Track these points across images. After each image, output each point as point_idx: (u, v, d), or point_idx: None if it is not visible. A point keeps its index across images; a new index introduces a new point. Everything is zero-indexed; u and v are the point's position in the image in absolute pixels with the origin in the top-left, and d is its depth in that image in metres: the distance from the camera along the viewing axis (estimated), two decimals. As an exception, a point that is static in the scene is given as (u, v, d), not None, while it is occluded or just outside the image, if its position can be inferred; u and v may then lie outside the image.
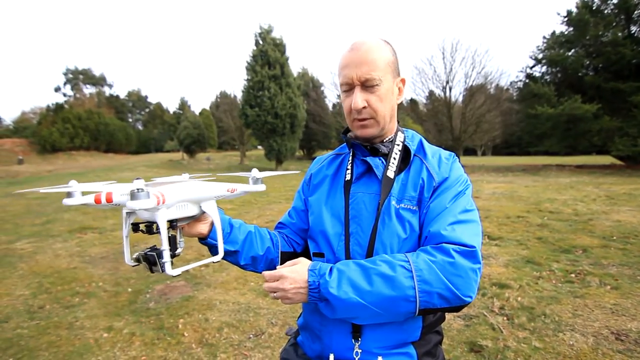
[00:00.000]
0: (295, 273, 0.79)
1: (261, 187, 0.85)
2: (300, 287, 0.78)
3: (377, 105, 0.88)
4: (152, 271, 0.78)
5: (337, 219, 0.95)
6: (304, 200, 1.10)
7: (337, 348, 0.91)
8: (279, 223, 1.14)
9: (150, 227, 0.79)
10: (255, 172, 0.84)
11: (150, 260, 0.76)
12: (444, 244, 0.79)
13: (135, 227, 0.82)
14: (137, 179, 0.68)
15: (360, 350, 0.88)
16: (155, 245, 0.81)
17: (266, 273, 0.82)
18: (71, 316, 3.10)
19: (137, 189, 0.65)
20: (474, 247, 0.79)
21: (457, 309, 0.79)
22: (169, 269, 0.75)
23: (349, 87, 0.90)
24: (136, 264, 0.82)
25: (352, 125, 0.94)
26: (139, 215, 0.79)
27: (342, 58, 0.90)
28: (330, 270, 0.79)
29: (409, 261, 0.77)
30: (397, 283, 0.74)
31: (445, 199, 0.86)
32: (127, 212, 0.81)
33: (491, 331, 2.63)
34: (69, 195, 0.70)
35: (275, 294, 0.81)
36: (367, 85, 0.87)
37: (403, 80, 0.96)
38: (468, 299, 0.77)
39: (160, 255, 0.76)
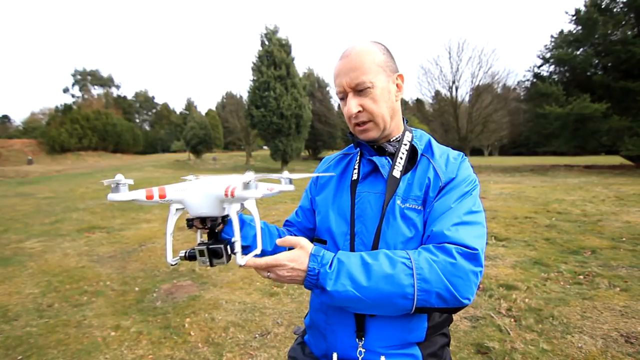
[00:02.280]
0: (294, 262, 0.77)
1: (291, 187, 0.86)
2: (297, 275, 0.77)
3: (372, 107, 0.88)
4: (212, 264, 0.79)
5: (343, 218, 0.95)
6: (311, 199, 1.11)
7: (341, 347, 0.91)
8: (287, 221, 1.15)
9: (215, 221, 0.80)
10: (286, 174, 0.86)
11: (218, 252, 0.78)
12: (446, 244, 0.78)
13: (190, 223, 0.82)
14: (248, 171, 0.74)
15: (364, 350, 0.88)
16: (212, 240, 0.82)
17: (262, 261, 0.77)
18: (79, 315, 3.14)
19: (249, 181, 0.71)
20: (477, 249, 0.77)
21: (453, 310, 0.79)
22: (240, 259, 0.77)
23: (343, 95, 0.91)
24: (176, 263, 0.82)
25: (354, 131, 0.96)
26: (193, 211, 0.78)
27: (335, 68, 0.92)
28: (332, 261, 0.78)
29: (410, 258, 0.76)
30: (396, 280, 0.74)
31: (451, 199, 0.85)
32: (176, 209, 0.81)
33: (498, 333, 2.61)
34: (114, 189, 0.66)
35: (268, 275, 0.78)
36: (359, 90, 0.88)
37: (401, 76, 0.94)
38: (466, 301, 0.76)
39: (231, 247, 0.79)
